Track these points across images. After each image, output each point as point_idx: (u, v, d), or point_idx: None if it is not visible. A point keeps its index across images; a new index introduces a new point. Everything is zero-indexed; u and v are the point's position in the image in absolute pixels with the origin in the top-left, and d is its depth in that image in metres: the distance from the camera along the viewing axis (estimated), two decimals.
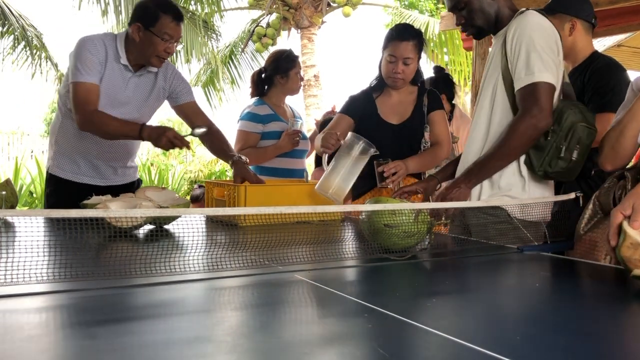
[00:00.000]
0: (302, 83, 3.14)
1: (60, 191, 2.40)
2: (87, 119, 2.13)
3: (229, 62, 9.88)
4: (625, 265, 1.14)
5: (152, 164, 9.07)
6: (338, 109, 3.08)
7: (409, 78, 2.46)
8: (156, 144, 2.08)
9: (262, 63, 9.68)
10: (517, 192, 1.84)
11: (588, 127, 1.76)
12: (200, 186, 4.60)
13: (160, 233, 1.71)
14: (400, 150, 2.42)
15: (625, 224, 1.15)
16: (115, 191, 2.09)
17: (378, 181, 2.32)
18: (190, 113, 2.42)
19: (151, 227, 1.82)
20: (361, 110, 2.49)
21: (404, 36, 2.38)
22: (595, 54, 2.36)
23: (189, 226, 1.82)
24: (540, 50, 1.76)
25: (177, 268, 1.17)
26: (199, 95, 10.06)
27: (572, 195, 1.70)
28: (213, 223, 2.12)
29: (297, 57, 3.12)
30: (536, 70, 1.75)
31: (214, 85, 9.99)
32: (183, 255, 1.28)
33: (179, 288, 1.09)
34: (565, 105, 1.79)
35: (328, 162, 2.13)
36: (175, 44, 2.21)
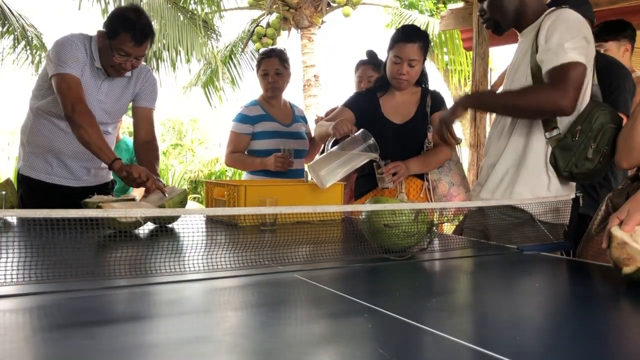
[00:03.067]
0: (271, 86, 2.95)
1: (33, 192, 2.37)
2: (78, 115, 2.08)
3: (229, 62, 9.87)
4: (617, 266, 1.16)
5: None
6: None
7: (413, 79, 2.45)
8: (126, 178, 2.04)
9: None
10: (541, 192, 1.81)
11: (617, 129, 1.72)
12: None
13: (160, 233, 1.71)
14: (402, 150, 2.42)
15: (614, 228, 1.17)
16: (90, 192, 2.08)
17: (378, 183, 2.31)
18: (141, 118, 2.41)
19: (153, 226, 1.83)
20: (364, 107, 2.49)
21: (410, 38, 2.36)
22: (597, 54, 2.36)
23: (189, 226, 1.82)
24: (577, 38, 1.70)
25: (177, 268, 1.17)
26: (199, 94, 10.07)
27: (573, 195, 1.70)
28: (213, 223, 2.13)
29: (265, 57, 2.97)
30: (570, 51, 1.68)
31: (214, 85, 9.98)
32: (183, 256, 1.28)
33: (179, 288, 1.09)
34: (595, 106, 1.76)
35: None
36: (133, 61, 2.19)
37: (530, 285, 1.24)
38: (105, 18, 2.27)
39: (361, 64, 3.10)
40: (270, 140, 2.94)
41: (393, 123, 2.47)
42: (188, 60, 9.05)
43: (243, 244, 1.41)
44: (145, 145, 2.37)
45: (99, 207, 1.71)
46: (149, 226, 1.86)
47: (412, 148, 2.45)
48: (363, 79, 3.04)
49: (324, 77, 8.84)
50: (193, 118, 17.53)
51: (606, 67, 2.27)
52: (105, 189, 2.50)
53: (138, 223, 1.77)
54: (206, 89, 10.10)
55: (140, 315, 0.93)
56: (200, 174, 8.53)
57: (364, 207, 1.49)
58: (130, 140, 3.75)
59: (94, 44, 2.24)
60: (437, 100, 2.54)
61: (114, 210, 1.24)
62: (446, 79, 9.60)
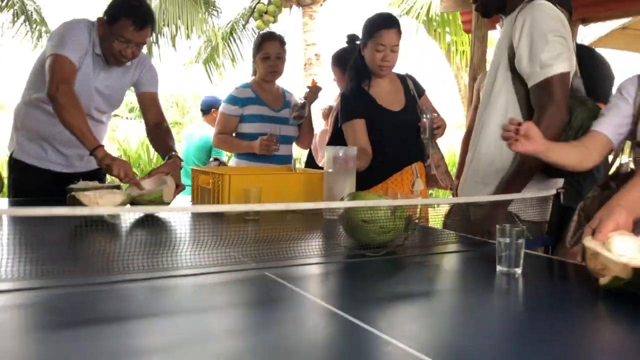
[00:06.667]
0: (273, 69, 2.92)
1: (26, 178, 2.37)
2: (62, 94, 2.05)
3: (229, 39, 9.80)
4: (595, 277, 1.14)
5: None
6: (320, 84, 3.08)
7: (394, 65, 2.49)
8: (107, 169, 2.06)
9: None
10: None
11: None
12: (215, 159, 4.52)
13: (138, 224, 1.71)
14: (402, 137, 2.47)
15: (587, 239, 1.16)
16: (83, 178, 2.11)
17: (421, 133, 2.41)
18: (148, 103, 2.41)
19: (135, 216, 1.83)
20: (363, 105, 2.49)
21: (390, 24, 2.40)
22: (577, 46, 2.33)
23: (172, 215, 1.83)
24: (552, 42, 1.73)
25: (145, 265, 1.17)
26: (200, 71, 10.04)
27: (553, 191, 1.69)
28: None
29: (267, 40, 2.93)
30: (547, 62, 1.72)
31: (215, 62, 9.94)
32: (153, 252, 1.27)
33: (139, 287, 1.09)
34: (574, 103, 1.77)
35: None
36: (135, 48, 2.18)
37: (505, 285, 1.23)
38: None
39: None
40: (258, 124, 2.92)
41: (392, 111, 2.49)
42: (188, 36, 9.01)
43: (219, 237, 1.41)
44: (157, 128, 2.37)
45: (73, 198, 1.72)
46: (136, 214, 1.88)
47: (411, 134, 2.47)
48: None
49: (325, 56, 8.76)
50: (196, 94, 17.41)
51: (585, 59, 2.25)
52: (98, 173, 2.51)
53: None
54: (207, 65, 10.05)
55: (96, 319, 0.91)
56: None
57: (342, 204, 1.48)
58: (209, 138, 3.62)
59: (95, 30, 2.22)
60: (417, 83, 2.62)
61: (97, 208, 1.23)
62: (448, 58, 9.50)
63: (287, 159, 2.96)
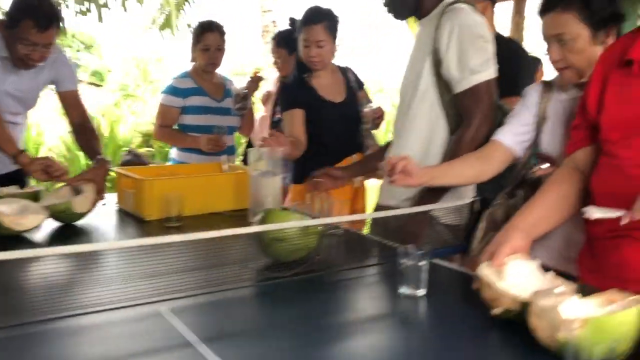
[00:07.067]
0: (212, 61, 2.84)
1: None
2: None
3: (185, 4, 9.48)
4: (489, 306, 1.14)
5: (103, 115, 8.72)
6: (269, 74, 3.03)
7: (328, 59, 2.45)
8: (32, 173, 1.98)
9: (221, 6, 9.19)
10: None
11: None
12: (129, 152, 4.37)
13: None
14: (342, 128, 2.48)
15: (481, 266, 1.15)
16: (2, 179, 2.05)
17: (364, 124, 2.45)
18: (69, 103, 2.30)
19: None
20: (303, 96, 2.47)
21: (313, 20, 2.36)
22: (497, 37, 2.28)
23: (98, 223, 1.75)
24: (479, 48, 1.72)
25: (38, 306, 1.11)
26: (156, 38, 9.73)
27: (467, 200, 1.69)
28: (124, 215, 2.07)
29: (206, 31, 2.81)
30: (476, 68, 1.71)
31: (171, 28, 9.64)
32: (51, 288, 1.21)
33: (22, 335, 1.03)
34: (496, 109, 1.77)
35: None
36: (42, 50, 2.04)
37: (403, 313, 1.23)
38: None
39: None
40: (200, 116, 2.86)
41: (334, 103, 2.50)
42: (140, 1, 8.66)
43: (124, 264, 1.35)
44: (81, 129, 2.26)
45: None
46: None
47: (352, 126, 2.50)
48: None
49: (282, 24, 8.56)
50: (158, 57, 16.85)
51: (504, 53, 2.23)
52: (18, 174, 2.40)
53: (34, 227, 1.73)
54: (162, 33, 9.75)
55: None
56: (152, 127, 8.30)
57: (261, 228, 1.43)
58: None
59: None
60: (356, 76, 2.64)
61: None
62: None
63: (231, 150, 2.93)
